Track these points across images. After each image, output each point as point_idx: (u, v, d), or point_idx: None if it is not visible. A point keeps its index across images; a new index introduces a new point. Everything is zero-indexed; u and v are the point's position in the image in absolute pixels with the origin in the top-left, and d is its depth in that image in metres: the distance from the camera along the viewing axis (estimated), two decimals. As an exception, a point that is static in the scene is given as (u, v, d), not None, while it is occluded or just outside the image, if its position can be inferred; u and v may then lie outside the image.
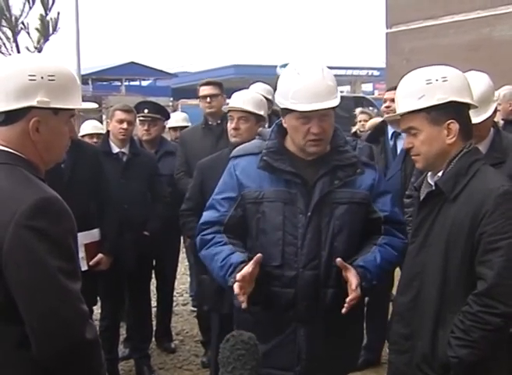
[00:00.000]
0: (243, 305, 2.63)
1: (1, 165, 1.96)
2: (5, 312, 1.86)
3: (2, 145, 1.99)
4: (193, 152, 5.02)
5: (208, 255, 2.91)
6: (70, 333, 1.85)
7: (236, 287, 2.63)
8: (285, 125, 2.83)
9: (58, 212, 1.91)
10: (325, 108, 2.69)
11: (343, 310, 2.66)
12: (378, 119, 6.46)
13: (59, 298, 1.84)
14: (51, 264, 1.83)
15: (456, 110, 2.45)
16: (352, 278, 2.67)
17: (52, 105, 2.00)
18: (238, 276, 2.63)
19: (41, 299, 1.83)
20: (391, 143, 4.83)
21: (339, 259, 2.70)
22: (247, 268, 2.65)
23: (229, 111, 4.10)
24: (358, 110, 8.01)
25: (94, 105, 2.48)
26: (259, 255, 2.68)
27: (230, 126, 4.04)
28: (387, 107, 4.96)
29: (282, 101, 2.76)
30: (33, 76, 1.97)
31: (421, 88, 2.46)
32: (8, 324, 1.87)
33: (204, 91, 5.25)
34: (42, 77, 1.98)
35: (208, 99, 5.19)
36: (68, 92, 2.05)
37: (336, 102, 2.72)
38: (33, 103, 1.97)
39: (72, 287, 1.88)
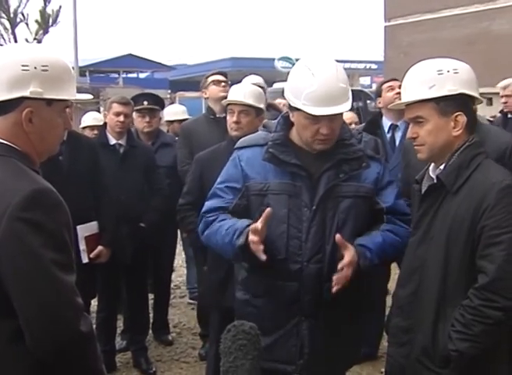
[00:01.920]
0: (263, 257, 2.60)
1: None
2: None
3: None
4: (199, 144, 4.92)
5: (211, 232, 2.88)
6: (65, 326, 1.84)
7: (253, 239, 2.60)
8: (292, 119, 2.80)
9: (53, 204, 1.89)
10: (337, 113, 2.67)
11: (333, 289, 2.66)
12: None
13: (54, 290, 1.83)
14: (45, 256, 1.82)
15: (464, 103, 2.46)
16: (346, 256, 2.66)
17: (45, 96, 1.97)
18: (251, 227, 2.62)
19: (36, 292, 1.81)
20: (388, 136, 4.80)
21: (338, 236, 2.67)
22: (258, 223, 2.62)
23: (229, 104, 4.05)
24: None
25: (89, 96, 2.46)
26: (268, 209, 2.64)
27: (231, 119, 3.98)
28: (398, 93, 4.63)
29: (293, 100, 2.70)
30: (26, 66, 1.94)
31: (433, 78, 2.46)
32: (2, 318, 1.86)
33: (218, 77, 5.20)
34: (35, 67, 1.95)
35: (223, 84, 5.16)
36: (62, 83, 2.02)
37: (348, 106, 2.68)
38: (26, 93, 1.93)
39: (66, 280, 1.86)
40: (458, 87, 2.44)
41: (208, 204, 2.97)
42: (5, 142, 1.96)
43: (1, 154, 1.94)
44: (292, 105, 2.72)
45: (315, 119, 2.67)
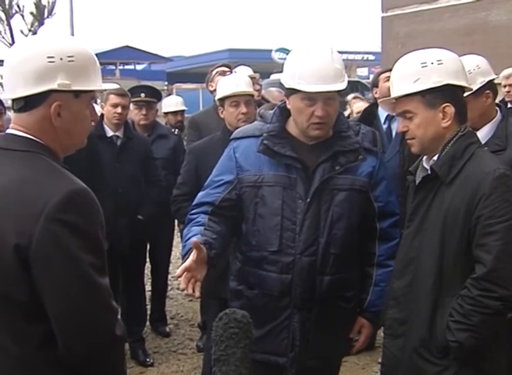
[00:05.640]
0: (196, 294, 2.50)
1: (22, 152, 1.86)
2: (30, 310, 1.78)
3: (22, 132, 1.89)
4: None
5: (184, 235, 2.84)
6: (102, 331, 1.80)
7: (182, 282, 2.47)
8: (289, 106, 2.78)
9: (89, 205, 1.84)
10: (332, 91, 2.65)
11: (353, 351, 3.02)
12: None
13: (92, 294, 1.78)
14: (83, 260, 1.76)
15: (451, 93, 2.44)
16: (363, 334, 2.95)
17: (73, 88, 1.88)
18: (178, 271, 2.49)
19: (73, 296, 1.75)
20: (385, 126, 4.78)
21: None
22: (189, 259, 2.49)
23: (231, 96, 4.01)
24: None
25: (115, 86, 2.38)
26: (193, 240, 2.52)
27: (237, 111, 3.96)
28: None
29: (288, 81, 2.70)
30: (52, 57, 1.85)
31: (417, 71, 2.44)
32: (32, 323, 1.79)
33: (223, 68, 5.13)
34: (61, 58, 1.85)
35: (229, 74, 5.10)
36: (88, 73, 1.94)
37: (342, 86, 2.67)
38: (54, 86, 1.84)
39: (103, 283, 1.81)
40: (443, 78, 2.42)
41: (199, 196, 2.95)
42: (32, 137, 1.89)
43: (29, 150, 1.86)
44: (287, 87, 2.72)
45: (311, 100, 2.66)
